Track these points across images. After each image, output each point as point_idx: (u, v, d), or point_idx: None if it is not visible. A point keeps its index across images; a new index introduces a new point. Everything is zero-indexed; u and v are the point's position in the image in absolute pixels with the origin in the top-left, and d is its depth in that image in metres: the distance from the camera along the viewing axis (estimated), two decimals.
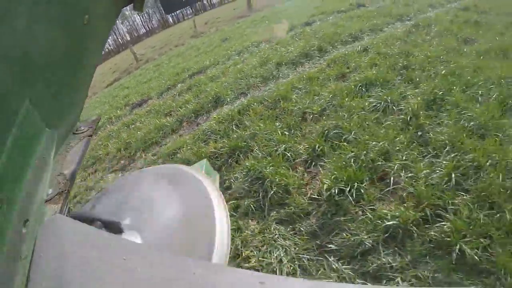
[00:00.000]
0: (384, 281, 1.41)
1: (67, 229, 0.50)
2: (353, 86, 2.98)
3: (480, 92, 2.65)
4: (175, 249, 0.70)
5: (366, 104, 2.66)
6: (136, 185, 0.92)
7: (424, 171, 1.83)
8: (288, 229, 1.75)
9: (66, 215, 0.67)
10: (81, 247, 0.47)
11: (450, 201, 1.63)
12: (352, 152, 2.03)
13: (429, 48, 4.13)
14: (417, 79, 3.02)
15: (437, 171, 1.83)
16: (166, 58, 10.18)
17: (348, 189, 1.75)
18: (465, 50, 3.99)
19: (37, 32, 0.41)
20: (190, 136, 3.31)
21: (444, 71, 3.14)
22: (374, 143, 2.06)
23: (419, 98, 2.59)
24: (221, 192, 0.85)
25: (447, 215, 1.58)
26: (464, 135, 2.06)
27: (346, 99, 2.79)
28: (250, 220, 1.95)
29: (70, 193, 0.61)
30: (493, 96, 2.51)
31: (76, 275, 0.43)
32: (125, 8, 0.77)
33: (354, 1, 9.42)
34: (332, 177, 1.83)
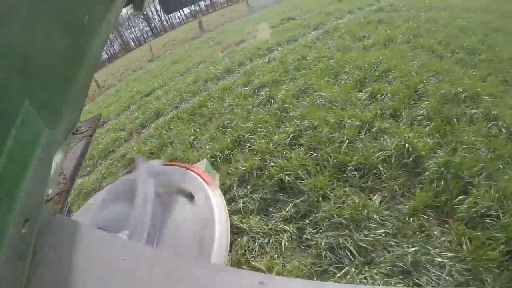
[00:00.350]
0: (232, 203, 2.35)
1: (67, 229, 0.50)
2: (249, 90, 4.03)
3: (345, 77, 3.65)
4: (175, 249, 0.71)
5: (256, 101, 3.71)
6: (137, 184, 0.95)
7: (274, 137, 2.83)
8: None
9: (66, 215, 0.69)
10: (81, 247, 0.48)
11: (284, 151, 2.54)
12: (231, 133, 3.04)
13: (324, 50, 5.12)
14: (299, 76, 4.08)
15: (283, 135, 2.84)
16: (125, 83, 10.98)
17: (220, 155, 2.75)
18: (354, 46, 5.02)
19: (37, 32, 0.42)
20: (135, 142, 4.22)
21: (321, 67, 4.18)
22: (245, 125, 3.09)
23: (292, 91, 3.67)
24: (221, 192, 0.89)
25: (279, 160, 2.55)
26: (312, 109, 2.99)
27: (240, 100, 3.83)
28: None
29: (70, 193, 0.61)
30: (354, 78, 3.50)
31: (76, 275, 0.44)
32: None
33: (286, 16, 10.81)
34: (208, 148, 2.83)
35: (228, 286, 0.41)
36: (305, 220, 1.95)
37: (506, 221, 1.60)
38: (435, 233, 1.67)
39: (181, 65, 8.37)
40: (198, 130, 3.52)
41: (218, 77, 5.45)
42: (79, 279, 0.43)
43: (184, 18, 46.21)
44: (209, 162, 1.93)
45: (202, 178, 0.91)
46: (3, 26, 0.34)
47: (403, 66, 3.60)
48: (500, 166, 1.91)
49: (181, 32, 22.52)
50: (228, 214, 0.82)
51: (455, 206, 1.77)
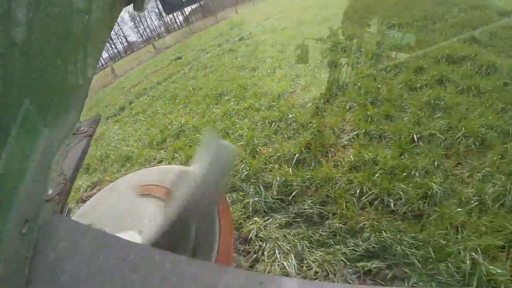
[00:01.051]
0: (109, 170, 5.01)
1: (67, 229, 0.51)
2: (128, 119, 6.73)
3: (178, 98, 6.47)
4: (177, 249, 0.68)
5: (131, 123, 6.41)
6: (137, 185, 0.99)
7: (131, 139, 5.57)
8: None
9: (66, 215, 0.76)
10: (81, 247, 0.48)
11: (132, 144, 5.36)
12: (112, 144, 5.69)
13: (182, 82, 7.85)
14: (156, 104, 6.90)
15: (135, 137, 5.56)
16: None
17: (104, 156, 5.39)
18: (199, 75, 7.79)
19: (37, 32, 0.42)
20: None
21: (170, 94, 6.95)
22: (119, 137, 5.78)
23: (148, 112, 6.45)
24: (223, 192, 0.96)
25: (128, 148, 5.28)
26: (153, 120, 5.90)
27: (121, 125, 6.53)
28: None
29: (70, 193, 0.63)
30: (182, 98, 6.39)
31: (76, 275, 0.44)
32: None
33: (176, 56, 13.79)
34: (100, 154, 5.49)
35: (228, 286, 0.42)
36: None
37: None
38: None
39: (94, 110, 10.62)
40: (96, 148, 6.09)
41: (115, 114, 7.85)
42: (79, 279, 0.44)
43: (104, 62, 47.04)
44: None
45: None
46: (3, 26, 0.35)
47: (210, 82, 6.49)
48: (237, 119, 4.47)
49: (99, 78, 24.08)
50: (230, 214, 0.83)
51: None
